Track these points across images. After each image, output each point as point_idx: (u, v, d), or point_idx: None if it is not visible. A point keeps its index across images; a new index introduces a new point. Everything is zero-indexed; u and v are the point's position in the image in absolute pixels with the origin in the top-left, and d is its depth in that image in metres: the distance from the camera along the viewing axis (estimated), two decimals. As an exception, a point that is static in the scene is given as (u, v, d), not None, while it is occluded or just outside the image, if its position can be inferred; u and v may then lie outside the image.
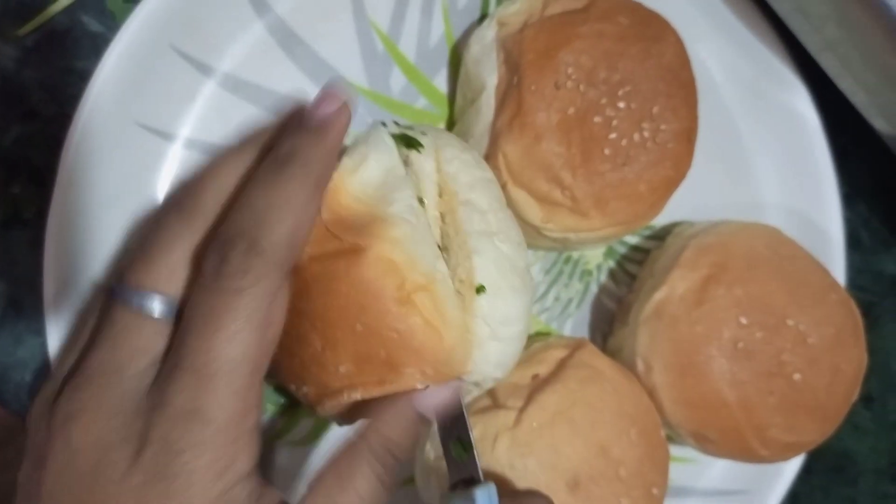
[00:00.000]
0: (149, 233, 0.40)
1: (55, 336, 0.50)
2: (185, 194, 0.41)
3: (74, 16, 0.55)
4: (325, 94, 0.41)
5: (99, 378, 0.37)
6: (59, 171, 0.50)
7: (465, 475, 0.44)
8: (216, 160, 0.42)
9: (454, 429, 0.45)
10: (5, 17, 0.54)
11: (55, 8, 0.54)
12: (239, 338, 0.35)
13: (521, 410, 0.51)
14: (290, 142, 0.40)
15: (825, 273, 0.57)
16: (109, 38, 0.53)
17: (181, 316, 0.37)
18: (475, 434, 0.50)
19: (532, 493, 0.48)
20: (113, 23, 0.55)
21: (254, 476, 0.36)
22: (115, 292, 0.39)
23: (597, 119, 0.52)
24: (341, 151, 0.43)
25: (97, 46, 0.55)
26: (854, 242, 0.70)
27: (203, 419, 0.34)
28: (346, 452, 0.39)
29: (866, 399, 0.71)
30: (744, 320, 0.53)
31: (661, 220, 0.62)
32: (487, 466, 0.50)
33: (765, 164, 0.64)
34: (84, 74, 0.54)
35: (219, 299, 0.35)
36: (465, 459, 0.44)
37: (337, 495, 0.37)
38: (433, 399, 0.41)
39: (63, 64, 0.55)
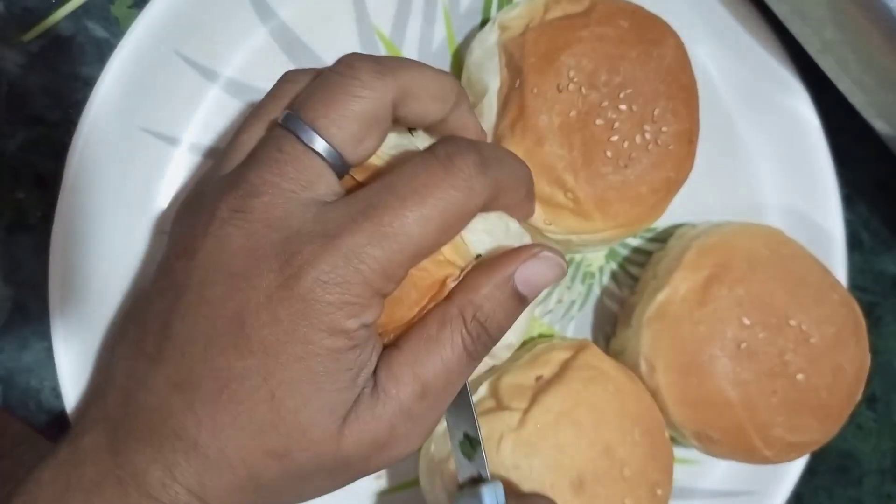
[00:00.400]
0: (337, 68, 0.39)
1: (61, 341, 0.50)
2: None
3: (79, 22, 0.55)
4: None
5: (263, 193, 0.36)
6: (64, 177, 0.51)
7: (473, 473, 0.44)
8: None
9: (462, 425, 0.45)
10: (10, 23, 0.54)
11: (60, 14, 0.55)
12: (429, 224, 0.36)
13: (526, 412, 0.51)
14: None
15: (826, 273, 0.57)
16: (114, 43, 0.54)
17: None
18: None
19: (538, 496, 0.48)
20: (117, 29, 0.56)
21: (373, 329, 0.38)
22: (288, 121, 0.38)
23: (598, 121, 0.52)
24: None
25: (102, 52, 0.55)
26: (855, 243, 0.70)
27: (362, 267, 0.35)
28: (438, 315, 0.39)
29: (870, 399, 0.72)
30: (746, 320, 0.53)
31: (662, 223, 0.62)
32: (492, 467, 0.50)
33: (765, 166, 0.65)
34: (89, 80, 0.55)
35: (437, 181, 0.36)
36: (474, 458, 0.44)
37: (423, 357, 0.38)
38: (531, 272, 0.39)
39: (68, 70, 0.55)
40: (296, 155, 0.37)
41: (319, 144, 0.37)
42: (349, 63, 0.38)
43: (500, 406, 0.52)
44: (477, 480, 0.44)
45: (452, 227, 0.37)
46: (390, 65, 0.39)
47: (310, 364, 0.35)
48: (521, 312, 0.41)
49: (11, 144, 0.55)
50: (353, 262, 0.35)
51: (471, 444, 0.45)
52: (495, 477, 0.49)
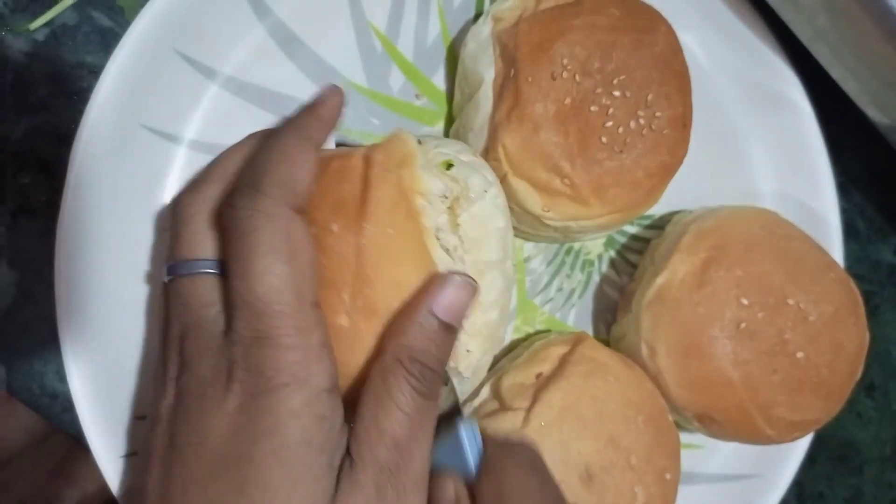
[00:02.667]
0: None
1: (65, 325, 0.51)
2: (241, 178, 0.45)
3: (84, 11, 0.56)
4: (321, 88, 0.47)
5: (186, 336, 0.41)
6: (68, 175, 0.51)
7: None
8: (263, 149, 0.46)
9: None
10: (16, 12, 0.55)
11: (65, 3, 0.56)
12: (269, 270, 0.39)
13: (528, 410, 0.52)
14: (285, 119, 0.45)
15: (822, 252, 0.57)
16: (118, 32, 0.55)
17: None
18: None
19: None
20: (122, 18, 0.56)
21: (335, 392, 0.40)
22: (169, 272, 0.44)
23: (593, 108, 0.53)
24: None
25: (106, 41, 0.56)
26: (851, 232, 0.71)
27: (270, 343, 0.38)
28: (378, 370, 0.40)
29: (869, 388, 0.72)
30: (745, 301, 0.53)
31: (659, 210, 0.63)
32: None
33: (760, 154, 0.65)
34: (93, 68, 0.55)
35: (240, 242, 0.40)
36: (451, 400, 0.45)
37: (382, 417, 0.39)
38: (445, 298, 0.41)
39: (72, 58, 0.56)
40: (186, 289, 0.44)
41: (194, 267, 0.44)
42: (231, 203, 0.43)
43: (504, 407, 0.53)
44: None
45: None
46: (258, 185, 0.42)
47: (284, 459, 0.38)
48: (454, 339, 0.42)
49: (17, 131, 0.55)
50: (268, 344, 0.39)
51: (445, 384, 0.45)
52: None
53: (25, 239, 0.55)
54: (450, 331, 0.41)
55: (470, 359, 0.47)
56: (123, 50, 0.52)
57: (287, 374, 0.38)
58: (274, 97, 0.56)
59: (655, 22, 0.55)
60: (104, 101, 0.52)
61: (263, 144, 0.45)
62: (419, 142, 0.47)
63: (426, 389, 0.40)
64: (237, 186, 0.42)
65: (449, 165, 0.47)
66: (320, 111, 0.46)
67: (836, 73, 0.62)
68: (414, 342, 0.40)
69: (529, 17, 0.54)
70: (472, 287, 0.43)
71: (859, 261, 0.72)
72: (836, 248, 0.66)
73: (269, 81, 0.56)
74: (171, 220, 0.46)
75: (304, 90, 0.57)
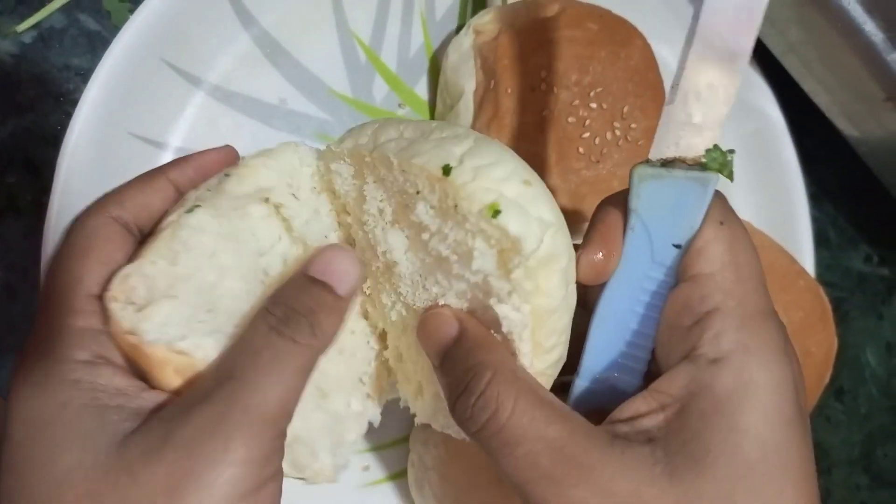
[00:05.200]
0: None
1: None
2: None
3: (71, 14, 0.57)
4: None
5: None
6: (55, 179, 0.52)
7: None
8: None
9: None
10: (3, 14, 0.56)
11: (53, 6, 0.57)
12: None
13: None
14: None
15: (792, 261, 0.59)
16: (105, 36, 0.56)
17: None
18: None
19: None
20: (109, 22, 0.58)
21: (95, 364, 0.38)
22: None
23: (570, 119, 0.54)
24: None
25: (93, 44, 0.57)
26: (822, 240, 0.73)
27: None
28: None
29: (838, 392, 0.74)
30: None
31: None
32: (475, 469, 0.52)
33: (734, 165, 0.67)
34: (80, 71, 0.56)
35: None
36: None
37: (232, 352, 0.37)
38: (320, 259, 0.40)
39: (60, 60, 0.57)
40: None
41: None
42: None
43: None
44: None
45: None
46: None
47: None
48: (328, 292, 0.39)
49: (3, 131, 0.56)
50: None
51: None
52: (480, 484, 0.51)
53: (11, 238, 0.56)
54: (323, 286, 0.39)
55: None
56: (110, 58, 0.53)
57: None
58: (259, 105, 0.58)
59: (631, 36, 0.57)
60: (91, 109, 0.53)
61: None
62: (446, 169, 0.37)
63: (286, 329, 0.37)
64: None
65: (496, 212, 0.37)
66: (195, 158, 0.44)
67: (808, 85, 0.64)
68: (282, 290, 0.39)
69: (509, 30, 0.56)
70: (348, 257, 0.41)
71: (830, 268, 0.74)
72: (807, 257, 0.67)
73: (253, 90, 0.58)
74: None
75: (288, 98, 0.58)
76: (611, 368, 0.40)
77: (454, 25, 0.63)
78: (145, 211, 0.42)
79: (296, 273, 0.40)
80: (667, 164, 0.38)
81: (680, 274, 0.38)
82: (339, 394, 0.45)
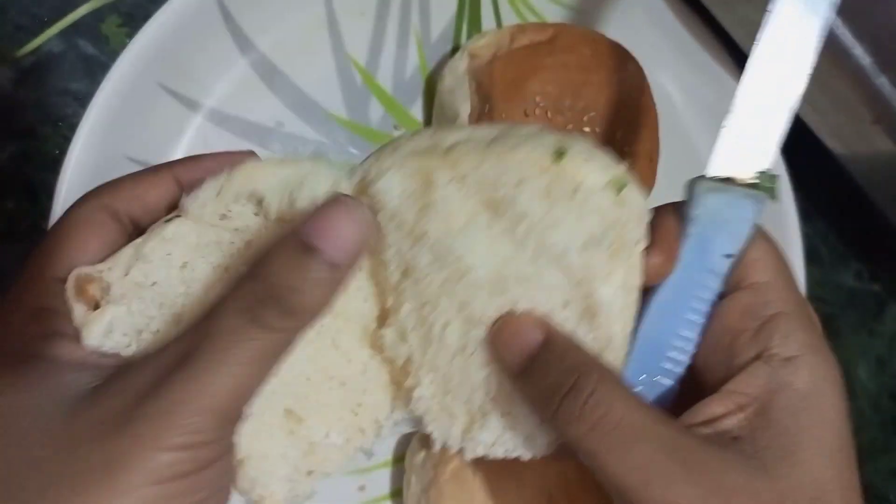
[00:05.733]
0: None
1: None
2: None
3: (69, 39, 0.58)
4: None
5: None
6: (54, 204, 0.53)
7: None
8: None
9: None
10: (2, 40, 0.57)
11: (51, 31, 0.57)
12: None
13: None
14: None
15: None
16: (103, 60, 0.57)
17: None
18: (455, 464, 0.53)
19: None
20: (106, 46, 0.58)
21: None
22: None
23: (564, 143, 0.55)
24: None
25: (91, 69, 0.58)
26: (813, 257, 0.73)
27: None
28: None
29: (831, 406, 0.74)
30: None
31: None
32: (469, 492, 0.53)
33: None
34: (78, 95, 0.57)
35: None
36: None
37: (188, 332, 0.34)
38: (322, 217, 0.34)
39: (58, 85, 0.57)
40: None
41: None
42: None
43: None
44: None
45: None
46: None
47: None
48: (321, 270, 0.33)
49: (2, 156, 0.57)
50: None
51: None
52: None
53: (8, 263, 0.57)
54: (314, 257, 0.33)
55: None
56: (109, 83, 0.54)
57: None
58: (256, 129, 0.58)
59: (625, 60, 0.58)
60: (90, 133, 0.53)
61: None
62: (559, 154, 0.37)
63: (258, 309, 0.32)
64: None
65: (622, 186, 0.38)
66: (207, 158, 0.41)
67: (799, 107, 0.65)
68: (266, 257, 0.34)
69: (504, 54, 0.56)
70: (364, 218, 0.35)
71: (821, 285, 0.74)
72: (798, 274, 0.68)
73: (251, 113, 0.58)
74: None
75: (285, 122, 0.59)
76: (654, 371, 0.42)
77: (450, 47, 0.63)
78: (138, 203, 0.39)
79: (286, 234, 0.34)
80: (723, 181, 0.41)
81: (734, 282, 0.40)
82: (318, 421, 0.43)
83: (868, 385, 0.75)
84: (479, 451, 0.43)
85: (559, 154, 0.37)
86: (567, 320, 0.40)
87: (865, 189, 0.70)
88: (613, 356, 0.40)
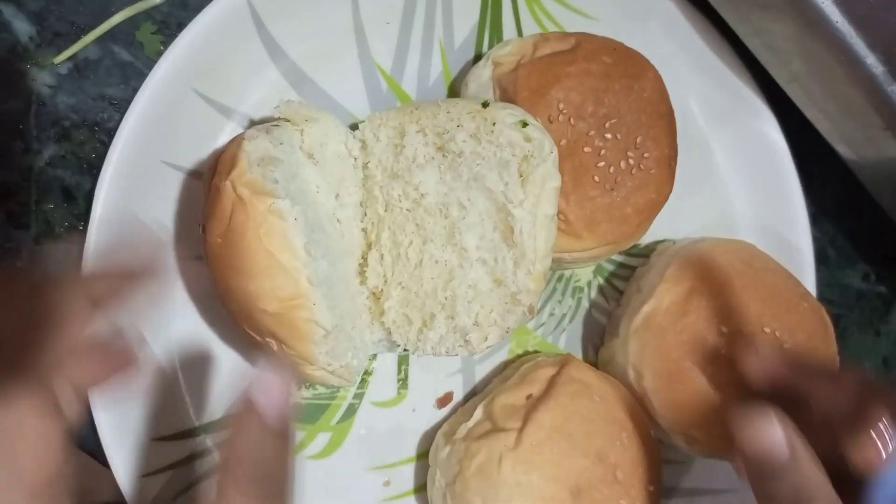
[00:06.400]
0: None
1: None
2: None
3: (106, 46, 0.59)
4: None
5: None
6: (94, 208, 0.54)
7: None
8: None
9: None
10: (42, 46, 0.58)
11: (88, 38, 0.59)
12: None
13: (520, 431, 0.55)
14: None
15: (797, 283, 0.61)
16: (138, 67, 0.58)
17: None
18: (480, 458, 0.55)
19: None
20: (141, 53, 0.60)
21: None
22: None
23: (586, 149, 0.57)
24: None
25: (126, 75, 0.59)
26: (822, 259, 0.75)
27: None
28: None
29: (839, 404, 0.76)
30: (724, 329, 0.57)
31: (644, 240, 0.67)
32: (494, 487, 0.54)
33: (739, 187, 0.70)
34: (114, 100, 0.59)
35: None
36: None
37: None
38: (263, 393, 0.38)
39: (95, 90, 0.59)
40: None
41: None
42: None
43: (496, 428, 0.56)
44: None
45: None
46: None
47: None
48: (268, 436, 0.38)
49: (40, 160, 0.58)
50: None
51: None
52: (500, 495, 0.54)
53: (46, 264, 0.58)
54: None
55: (533, 297, 0.54)
56: (147, 90, 0.56)
57: None
58: (287, 133, 0.60)
59: (644, 68, 0.59)
60: (128, 138, 0.55)
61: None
62: (485, 104, 0.54)
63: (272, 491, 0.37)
64: None
65: (525, 124, 0.52)
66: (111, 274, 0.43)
67: (810, 113, 0.67)
68: (243, 451, 0.38)
69: (528, 63, 0.58)
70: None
71: (829, 286, 0.76)
72: (809, 275, 0.70)
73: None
74: None
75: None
76: None
77: (472, 54, 0.65)
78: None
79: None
80: None
81: None
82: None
83: (875, 384, 0.77)
84: (429, 350, 0.56)
85: (485, 105, 0.54)
86: (494, 240, 0.54)
87: (873, 193, 0.71)
88: (526, 268, 0.53)
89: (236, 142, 0.50)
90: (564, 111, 0.57)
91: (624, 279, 0.68)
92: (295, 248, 0.47)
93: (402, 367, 0.63)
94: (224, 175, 0.48)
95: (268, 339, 0.49)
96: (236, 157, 0.48)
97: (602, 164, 0.57)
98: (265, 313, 0.48)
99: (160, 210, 0.57)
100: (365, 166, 0.56)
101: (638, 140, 0.58)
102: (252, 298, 0.48)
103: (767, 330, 0.58)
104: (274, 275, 0.47)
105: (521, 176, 0.53)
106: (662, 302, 0.59)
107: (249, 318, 0.49)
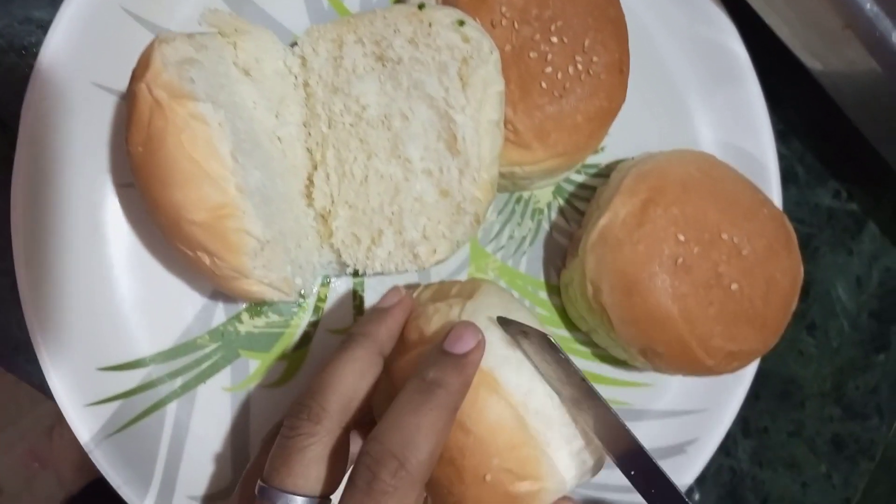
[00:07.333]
0: (284, 432, 0.45)
1: (24, 276, 0.53)
2: (310, 396, 0.46)
3: None
4: (465, 331, 0.46)
5: None
6: (21, 130, 0.52)
7: None
8: (334, 362, 0.47)
9: None
10: None
11: None
12: None
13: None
14: (434, 370, 0.44)
15: (756, 191, 0.59)
16: None
17: None
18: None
19: None
20: (69, -25, 0.57)
21: None
22: (261, 493, 0.44)
23: (532, 54, 0.55)
24: None
25: None
26: (790, 177, 0.74)
27: None
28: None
29: (810, 327, 0.75)
30: (681, 237, 0.55)
31: (605, 159, 0.65)
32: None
33: (700, 103, 0.68)
34: (41, 23, 0.56)
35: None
36: None
37: None
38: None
39: (20, 13, 0.57)
40: None
41: (297, 501, 0.43)
42: (290, 425, 0.45)
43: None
44: None
45: None
46: (323, 404, 0.45)
47: None
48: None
49: (-32, 88, 0.56)
50: None
51: None
52: None
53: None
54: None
55: (480, 206, 0.54)
56: (70, 7, 0.53)
57: None
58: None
59: (591, -29, 0.57)
60: (53, 59, 0.53)
61: (414, 404, 0.43)
62: (421, 6, 0.53)
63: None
64: (382, 454, 0.41)
65: (462, 23, 0.52)
66: (468, 372, 0.45)
67: (771, 20, 0.64)
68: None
69: (469, -33, 0.56)
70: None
71: (799, 205, 0.74)
72: (774, 193, 0.68)
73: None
74: (281, 439, 0.45)
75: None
76: None
77: (415, -32, 0.63)
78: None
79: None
80: None
81: None
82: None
83: (847, 304, 0.76)
84: (378, 268, 0.55)
85: (421, 7, 0.52)
86: (438, 150, 0.53)
87: (841, 105, 0.69)
88: (471, 176, 0.52)
89: (151, 44, 0.48)
90: (507, 15, 0.55)
91: (585, 200, 0.66)
92: (221, 154, 0.45)
93: (358, 294, 0.61)
94: (138, 78, 0.45)
95: (199, 254, 0.48)
96: (150, 58, 0.46)
97: (549, 69, 0.55)
98: (193, 224, 0.46)
99: (92, 134, 0.55)
100: (306, 84, 0.54)
101: (586, 43, 0.56)
102: (179, 209, 0.46)
103: (725, 237, 0.56)
104: (200, 183, 0.45)
105: (461, 80, 0.52)
106: (618, 214, 0.57)
107: (179, 231, 0.47)
